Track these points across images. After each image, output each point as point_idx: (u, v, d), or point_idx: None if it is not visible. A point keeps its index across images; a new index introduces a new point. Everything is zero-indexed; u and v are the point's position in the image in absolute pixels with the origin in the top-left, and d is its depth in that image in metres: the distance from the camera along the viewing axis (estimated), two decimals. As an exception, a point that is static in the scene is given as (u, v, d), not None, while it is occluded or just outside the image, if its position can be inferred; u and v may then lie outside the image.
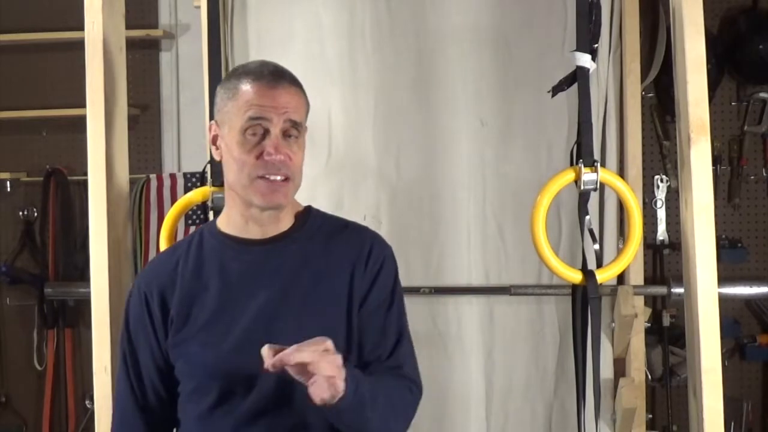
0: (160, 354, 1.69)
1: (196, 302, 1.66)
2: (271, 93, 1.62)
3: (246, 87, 1.63)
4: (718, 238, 2.77)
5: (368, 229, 1.78)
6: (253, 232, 1.69)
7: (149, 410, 1.71)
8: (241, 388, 1.63)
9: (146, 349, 1.69)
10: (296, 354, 1.41)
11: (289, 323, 1.63)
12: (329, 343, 1.45)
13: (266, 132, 1.61)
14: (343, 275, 1.68)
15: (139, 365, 1.70)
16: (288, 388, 1.60)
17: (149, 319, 1.69)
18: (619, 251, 2.49)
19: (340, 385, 1.45)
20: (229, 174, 1.66)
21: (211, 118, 1.75)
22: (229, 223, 1.71)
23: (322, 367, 1.43)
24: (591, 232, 2.28)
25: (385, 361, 1.67)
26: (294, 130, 1.63)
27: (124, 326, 1.73)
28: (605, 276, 2.25)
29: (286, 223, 1.71)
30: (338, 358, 1.46)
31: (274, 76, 1.64)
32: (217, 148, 1.69)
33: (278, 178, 1.62)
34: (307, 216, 1.74)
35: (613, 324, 2.80)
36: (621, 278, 2.82)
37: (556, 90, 2.28)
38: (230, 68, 2.87)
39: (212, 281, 1.67)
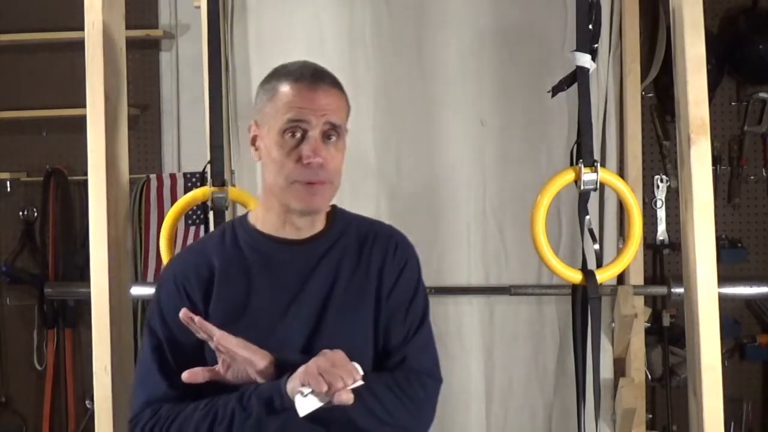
0: (199, 346, 1.64)
1: (238, 300, 1.65)
2: (311, 94, 1.60)
3: (285, 88, 1.62)
4: (718, 238, 2.77)
5: (393, 228, 1.78)
6: (290, 233, 1.68)
7: (187, 393, 1.65)
8: None
9: (188, 335, 1.63)
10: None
11: (326, 321, 1.64)
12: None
13: (305, 134, 1.60)
14: (373, 273, 1.69)
15: (177, 353, 1.65)
16: None
17: (191, 309, 1.62)
18: (619, 251, 2.49)
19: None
20: (268, 175, 1.65)
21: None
22: (264, 222, 1.70)
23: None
24: (591, 232, 2.28)
25: (395, 354, 1.67)
26: (333, 132, 1.62)
27: (158, 315, 1.67)
28: (605, 276, 2.25)
29: (319, 224, 1.71)
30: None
31: (314, 77, 1.62)
32: (257, 149, 1.68)
33: (314, 181, 1.60)
34: (335, 215, 1.74)
35: (613, 324, 2.81)
36: (621, 278, 2.82)
37: (556, 90, 2.28)
38: (230, 68, 2.88)
39: (253, 280, 1.66)
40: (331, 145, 1.62)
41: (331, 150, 1.62)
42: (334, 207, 1.76)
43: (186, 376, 1.57)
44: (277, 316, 1.64)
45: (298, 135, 1.60)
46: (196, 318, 1.55)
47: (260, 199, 1.74)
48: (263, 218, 1.71)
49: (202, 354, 1.64)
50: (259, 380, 1.56)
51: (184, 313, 1.56)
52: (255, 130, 1.68)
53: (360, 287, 1.68)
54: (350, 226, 1.74)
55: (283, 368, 1.55)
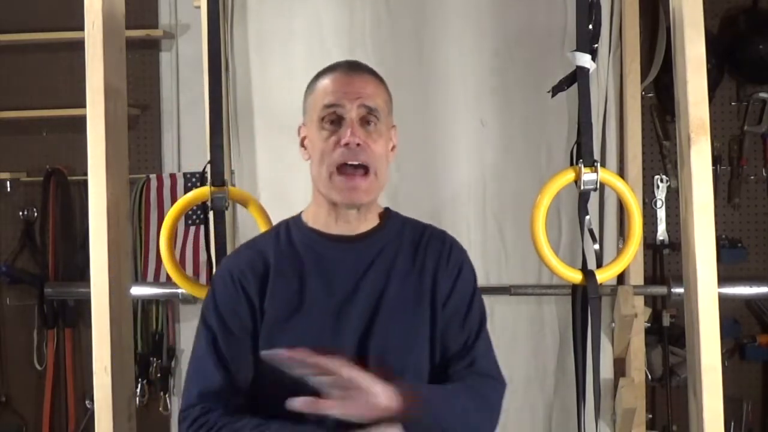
0: (254, 336, 1.66)
1: (292, 297, 1.66)
2: (346, 79, 1.66)
3: (323, 80, 1.68)
4: (718, 238, 2.77)
5: (446, 233, 1.80)
6: (342, 229, 1.70)
7: (240, 387, 1.67)
8: None
9: (244, 329, 1.66)
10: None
11: (380, 321, 1.64)
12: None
13: (341, 119, 1.63)
14: (427, 276, 1.70)
15: (231, 346, 1.66)
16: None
17: (247, 304, 1.67)
18: (619, 251, 2.49)
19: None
20: (313, 169, 1.68)
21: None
22: (316, 219, 1.72)
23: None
24: (591, 232, 2.28)
25: (460, 360, 1.68)
26: (372, 116, 1.65)
27: (213, 309, 1.68)
28: (605, 276, 2.25)
29: (371, 222, 1.73)
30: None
31: (350, 66, 1.70)
32: (305, 149, 1.72)
33: (356, 163, 1.62)
34: (389, 217, 1.76)
35: (613, 324, 2.81)
36: (621, 278, 2.82)
37: (556, 90, 2.28)
38: (230, 68, 2.88)
39: (307, 277, 1.67)
40: (372, 130, 1.65)
41: (372, 135, 1.65)
42: (387, 208, 1.79)
43: (297, 404, 1.48)
44: (329, 315, 1.65)
45: (336, 120, 1.63)
46: (313, 358, 1.49)
47: (311, 197, 1.75)
48: (315, 215, 1.73)
49: (255, 350, 1.65)
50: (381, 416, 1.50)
51: (287, 355, 1.50)
52: (303, 131, 1.73)
53: (414, 289, 1.69)
54: (404, 227, 1.76)
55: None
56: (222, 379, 1.65)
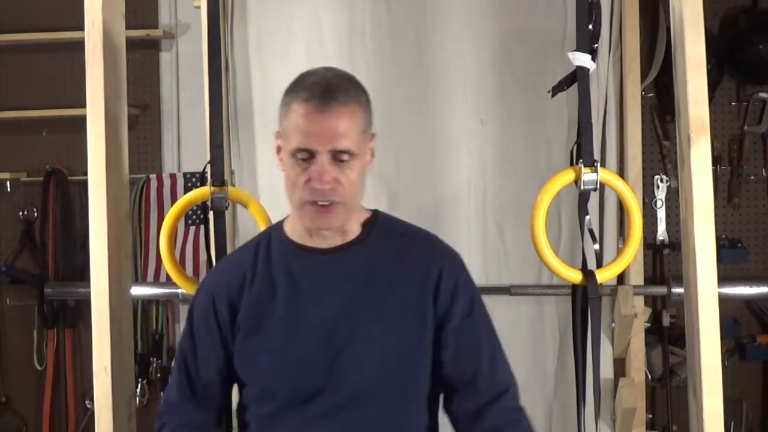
0: (222, 353, 1.70)
1: (264, 310, 1.67)
2: (319, 118, 1.56)
3: (296, 108, 1.58)
4: (718, 238, 2.77)
5: (439, 242, 1.77)
6: (318, 242, 1.68)
7: (201, 403, 1.74)
8: (307, 394, 1.64)
9: (208, 346, 1.71)
10: None
11: (356, 334, 1.64)
12: None
13: (313, 156, 1.58)
14: (415, 287, 1.67)
15: (197, 362, 1.72)
16: (355, 395, 1.63)
17: (215, 319, 1.70)
18: (619, 251, 2.49)
19: None
20: (287, 189, 1.65)
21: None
22: (294, 231, 1.71)
23: None
24: (591, 232, 2.28)
25: (488, 389, 1.70)
26: (344, 155, 1.58)
27: (188, 324, 1.75)
28: (605, 276, 2.24)
29: (352, 232, 1.70)
30: None
31: (324, 97, 1.57)
32: (280, 160, 1.67)
33: (325, 203, 1.60)
34: (375, 223, 1.73)
35: (613, 324, 2.80)
36: (621, 278, 2.82)
37: (556, 90, 2.28)
38: (230, 69, 2.88)
39: (280, 289, 1.67)
40: (345, 166, 1.59)
41: (345, 170, 1.59)
42: (375, 213, 1.75)
43: None
44: (301, 329, 1.65)
45: (307, 157, 1.58)
46: None
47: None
48: (293, 226, 1.72)
49: (225, 366, 1.70)
50: None
51: None
52: (278, 140, 1.67)
53: (400, 296, 1.66)
54: (389, 236, 1.72)
55: None
56: (180, 396, 1.74)
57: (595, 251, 2.36)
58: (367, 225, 1.72)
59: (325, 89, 1.58)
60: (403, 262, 1.69)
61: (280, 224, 1.76)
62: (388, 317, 1.66)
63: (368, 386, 1.64)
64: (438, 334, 1.67)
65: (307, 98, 1.58)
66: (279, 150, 1.67)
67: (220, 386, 1.75)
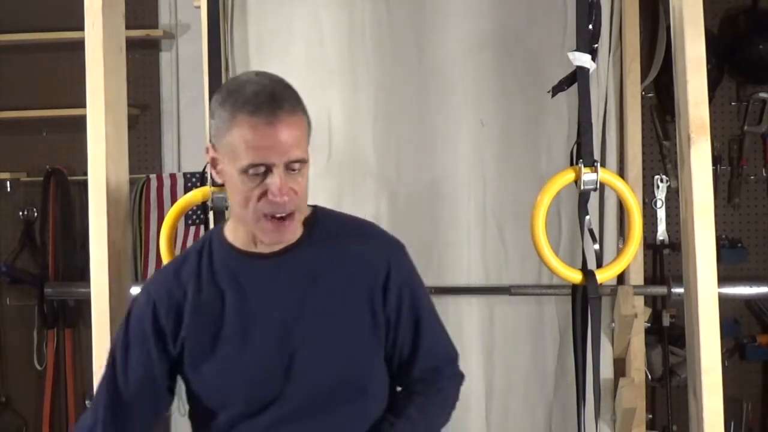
0: (158, 363, 1.65)
1: (213, 318, 1.64)
2: (271, 132, 1.51)
3: (243, 123, 1.51)
4: (718, 238, 2.77)
5: (383, 233, 1.76)
6: (263, 248, 1.65)
7: (124, 415, 1.67)
8: (263, 402, 1.62)
9: (143, 355, 1.65)
10: None
11: (309, 337, 1.62)
12: None
13: (269, 170, 1.53)
14: (363, 282, 1.66)
15: (127, 369, 1.66)
16: (309, 404, 1.62)
17: (153, 327, 1.65)
18: (619, 251, 2.49)
19: None
20: (234, 203, 1.60)
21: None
22: (236, 236, 1.67)
23: None
24: (591, 232, 2.28)
25: (420, 365, 1.71)
26: (297, 163, 1.55)
27: (123, 330, 1.69)
28: (605, 276, 2.24)
29: (295, 234, 1.66)
30: None
31: (271, 109, 1.51)
32: (218, 173, 1.61)
33: (282, 214, 1.57)
34: (316, 221, 1.69)
35: (613, 324, 2.80)
36: (621, 278, 2.82)
37: (556, 90, 2.28)
38: (230, 69, 2.87)
39: (228, 297, 1.64)
40: (297, 174, 1.56)
41: (297, 179, 1.56)
42: (315, 210, 1.71)
43: None
44: (252, 337, 1.62)
45: (262, 171, 1.53)
46: None
47: (231, 213, 1.69)
48: (235, 233, 1.67)
49: (160, 377, 1.66)
50: None
51: None
52: (213, 153, 1.59)
53: (347, 295, 1.65)
54: (331, 231, 1.70)
55: None
56: (114, 401, 1.66)
57: (595, 251, 2.36)
58: (308, 224, 1.68)
59: (270, 99, 1.52)
60: (348, 257, 1.67)
61: (219, 231, 1.71)
62: (340, 316, 1.65)
63: (326, 388, 1.63)
64: (388, 327, 1.68)
65: (253, 111, 1.51)
66: (215, 163, 1.60)
67: (149, 403, 1.68)
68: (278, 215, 1.56)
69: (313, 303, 1.63)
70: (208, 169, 2.39)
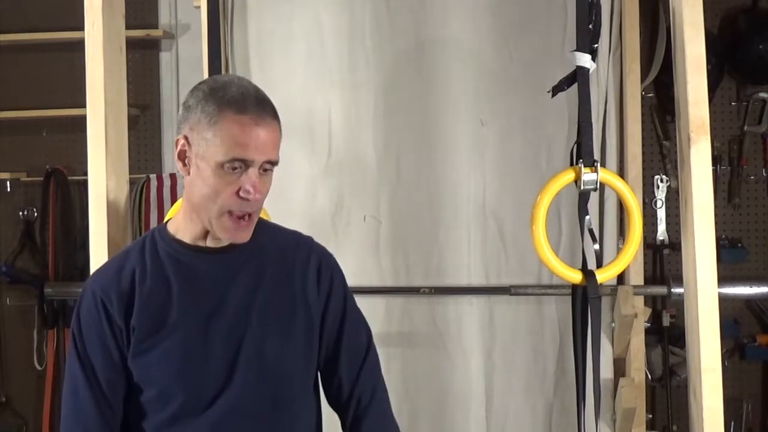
0: (119, 360, 1.65)
1: (159, 311, 1.65)
2: (255, 131, 1.57)
3: (230, 120, 1.57)
4: (718, 238, 2.78)
5: (314, 243, 1.80)
6: (210, 243, 1.68)
7: (108, 413, 1.67)
8: (205, 398, 1.63)
9: (102, 354, 1.65)
10: None
11: (251, 331, 1.65)
12: None
13: (246, 168, 1.58)
14: (301, 280, 1.72)
15: (94, 369, 1.65)
16: (255, 398, 1.64)
17: (108, 325, 1.64)
18: (619, 251, 2.48)
19: None
20: (195, 196, 1.62)
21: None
22: (184, 231, 1.68)
23: None
24: (591, 232, 2.28)
25: (355, 357, 1.76)
26: (270, 165, 1.62)
27: (77, 332, 1.67)
28: (605, 276, 2.24)
29: (249, 235, 1.69)
30: None
31: (257, 110, 1.58)
32: (184, 165, 1.63)
33: (248, 212, 1.61)
34: (258, 224, 1.72)
35: (613, 324, 2.81)
36: (621, 278, 2.82)
37: (556, 90, 2.28)
38: (230, 69, 2.88)
39: (173, 290, 1.66)
40: (265, 176, 1.62)
41: (265, 180, 1.62)
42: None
43: None
44: (198, 327, 1.64)
45: (240, 168, 1.57)
46: None
47: (182, 210, 1.70)
48: (184, 228, 1.69)
49: (115, 372, 1.65)
50: None
51: None
52: (184, 145, 1.62)
53: (285, 299, 1.69)
54: (272, 237, 1.75)
55: None
56: (95, 404, 1.65)
57: (595, 251, 2.36)
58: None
59: (257, 100, 1.60)
60: (288, 256, 1.73)
61: (161, 229, 1.73)
62: (283, 312, 1.69)
63: (270, 383, 1.66)
64: (322, 323, 1.73)
65: (240, 109, 1.57)
66: (183, 155, 1.62)
67: (117, 395, 1.67)
68: (242, 214, 1.61)
69: (258, 299, 1.67)
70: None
